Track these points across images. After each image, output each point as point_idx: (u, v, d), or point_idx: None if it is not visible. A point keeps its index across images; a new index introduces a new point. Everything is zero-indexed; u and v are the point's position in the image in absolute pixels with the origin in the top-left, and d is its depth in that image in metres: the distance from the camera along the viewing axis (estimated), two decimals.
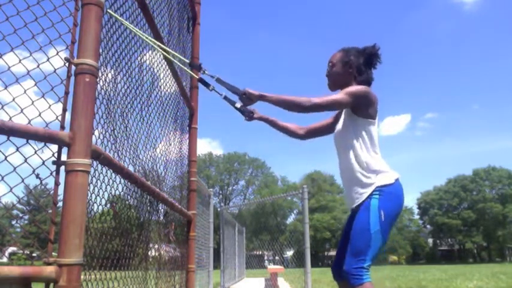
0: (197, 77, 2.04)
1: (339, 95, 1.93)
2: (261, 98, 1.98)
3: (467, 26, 75.25)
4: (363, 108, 1.96)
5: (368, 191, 1.88)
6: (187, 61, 2.06)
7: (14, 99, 1.07)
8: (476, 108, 75.60)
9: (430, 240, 58.67)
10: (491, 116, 75.59)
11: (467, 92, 76.40)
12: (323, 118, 2.31)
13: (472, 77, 76.67)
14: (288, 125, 2.31)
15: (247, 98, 1.99)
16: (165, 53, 2.06)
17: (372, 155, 1.95)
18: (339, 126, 2.09)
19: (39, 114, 1.10)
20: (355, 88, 1.96)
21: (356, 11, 77.04)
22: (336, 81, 2.12)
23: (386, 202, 1.86)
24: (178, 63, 2.23)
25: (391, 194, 1.88)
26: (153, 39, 1.95)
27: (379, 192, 1.87)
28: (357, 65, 2.06)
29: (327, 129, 2.27)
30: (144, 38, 1.79)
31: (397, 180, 1.92)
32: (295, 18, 77.49)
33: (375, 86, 2.08)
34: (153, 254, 2.15)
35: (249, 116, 2.11)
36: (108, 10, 1.43)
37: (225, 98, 2.02)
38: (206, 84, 2.04)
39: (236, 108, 2.03)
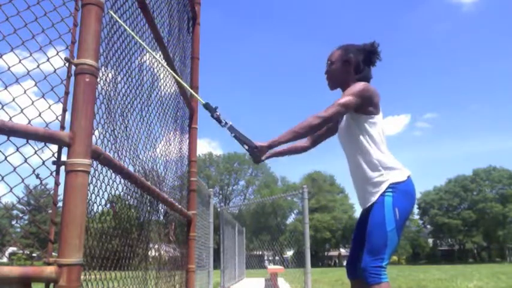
0: (211, 115, 2.03)
1: (345, 98, 1.91)
2: (271, 146, 1.96)
3: (466, 26, 75.28)
4: (365, 105, 1.95)
5: (381, 188, 1.87)
6: (203, 102, 2.04)
7: (14, 99, 1.07)
8: (476, 108, 75.65)
9: (430, 240, 58.63)
10: (491, 116, 75.61)
11: (467, 92, 76.40)
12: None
13: (471, 77, 76.72)
14: (293, 145, 2.30)
15: (259, 151, 1.97)
16: (179, 81, 2.06)
17: (383, 152, 1.93)
18: (342, 125, 2.07)
19: (39, 115, 1.10)
20: (358, 87, 1.94)
21: (355, 11, 77.08)
22: (334, 80, 2.11)
23: (400, 200, 1.85)
24: (197, 96, 2.23)
25: (403, 191, 1.87)
26: (170, 69, 1.95)
27: (392, 190, 1.86)
28: (355, 63, 2.05)
29: (330, 132, 2.27)
30: (154, 56, 1.82)
31: (409, 177, 1.91)
32: (293, 19, 77.54)
33: (374, 86, 2.08)
34: (153, 254, 2.15)
35: (258, 160, 2.07)
36: (110, 11, 1.43)
37: (235, 137, 2.02)
38: (219, 121, 2.02)
39: (246, 149, 2.02)
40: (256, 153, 1.98)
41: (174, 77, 2.10)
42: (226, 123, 2.00)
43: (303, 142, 2.31)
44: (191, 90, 2.29)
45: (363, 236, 1.90)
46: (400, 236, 1.85)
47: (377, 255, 1.79)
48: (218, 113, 2.00)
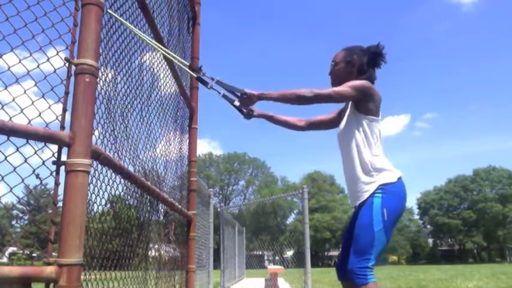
0: (196, 76, 2.05)
1: (342, 87, 1.93)
2: (261, 97, 1.96)
3: (466, 26, 75.27)
4: (365, 104, 1.96)
5: (370, 188, 1.87)
6: (188, 63, 2.08)
7: (14, 99, 1.07)
8: (476, 108, 75.63)
9: (430, 240, 58.62)
10: (491, 116, 75.59)
11: (467, 92, 76.39)
12: (325, 112, 2.31)
13: (471, 77, 76.72)
14: (287, 118, 2.31)
15: (247, 98, 1.98)
16: (165, 54, 2.07)
17: (375, 153, 1.94)
18: (342, 123, 2.08)
19: (39, 115, 1.10)
20: (358, 82, 1.96)
21: (355, 11, 77.08)
22: (338, 80, 2.11)
23: (389, 201, 1.85)
24: (179, 64, 2.24)
25: (393, 192, 1.87)
26: (153, 40, 1.96)
27: (382, 191, 1.86)
28: (359, 64, 2.06)
29: (329, 124, 2.27)
30: (145, 38, 1.80)
31: (399, 178, 1.92)
32: (293, 19, 77.56)
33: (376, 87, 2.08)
34: (153, 254, 2.15)
35: (248, 114, 2.11)
36: (109, 10, 1.43)
37: (224, 96, 2.03)
38: (205, 83, 2.06)
39: (235, 106, 2.03)
40: (246, 100, 1.99)
41: (161, 50, 2.08)
42: (212, 79, 2.03)
43: (298, 120, 2.31)
44: (175, 56, 2.25)
45: (351, 238, 1.90)
46: (389, 236, 1.84)
47: (363, 255, 1.79)
48: (204, 72, 2.03)
